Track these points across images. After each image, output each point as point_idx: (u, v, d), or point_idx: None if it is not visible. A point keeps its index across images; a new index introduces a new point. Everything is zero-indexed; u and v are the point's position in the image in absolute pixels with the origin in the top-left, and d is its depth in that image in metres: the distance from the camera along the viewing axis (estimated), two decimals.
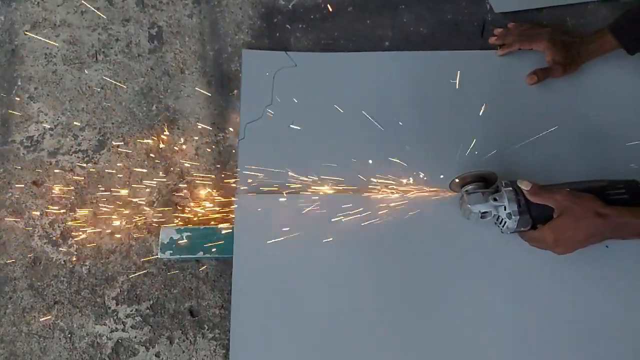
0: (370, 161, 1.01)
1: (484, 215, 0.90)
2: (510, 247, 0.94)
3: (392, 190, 1.00)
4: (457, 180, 0.92)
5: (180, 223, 1.00)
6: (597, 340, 0.91)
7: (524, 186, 0.86)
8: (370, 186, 1.00)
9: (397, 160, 1.00)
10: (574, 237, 0.83)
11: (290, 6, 1.14)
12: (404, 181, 1.00)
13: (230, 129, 1.06)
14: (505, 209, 0.87)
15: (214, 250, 0.95)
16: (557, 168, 1.01)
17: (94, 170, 1.04)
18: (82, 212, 1.01)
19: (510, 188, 0.87)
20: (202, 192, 1.03)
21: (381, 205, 0.98)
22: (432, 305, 0.93)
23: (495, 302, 0.93)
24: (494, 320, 0.92)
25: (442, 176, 0.98)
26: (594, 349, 0.91)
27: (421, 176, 1.00)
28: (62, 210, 1.01)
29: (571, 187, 0.86)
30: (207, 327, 0.97)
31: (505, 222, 0.88)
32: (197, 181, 1.03)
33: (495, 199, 0.88)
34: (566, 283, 0.94)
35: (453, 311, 0.93)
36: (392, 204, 0.98)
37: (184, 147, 1.05)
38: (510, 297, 0.93)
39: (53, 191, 1.03)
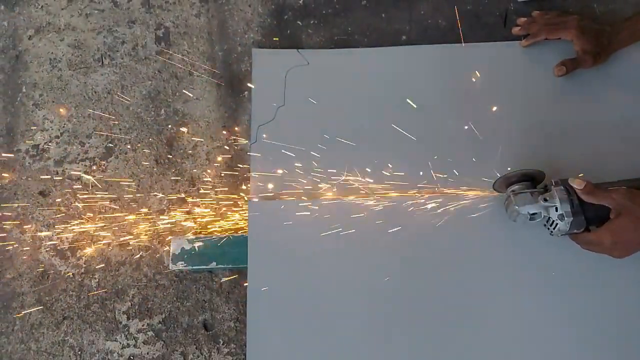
0: (391, 165, 0.92)
1: (532, 217, 0.79)
2: (561, 251, 0.85)
3: (422, 193, 0.89)
4: (501, 180, 0.83)
5: (192, 232, 0.93)
6: None
7: (577, 185, 0.76)
8: (394, 190, 0.90)
9: (423, 161, 0.91)
10: (634, 239, 0.73)
11: (301, 1, 1.05)
12: (435, 183, 0.90)
13: (242, 132, 0.98)
14: (556, 210, 0.77)
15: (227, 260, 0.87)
16: (590, 165, 0.89)
17: (101, 178, 0.97)
18: (90, 223, 0.94)
19: (562, 187, 0.77)
20: (214, 199, 0.95)
21: (410, 210, 0.88)
22: (473, 313, 0.84)
23: (544, 309, 0.84)
24: (541, 327, 0.84)
25: (483, 178, 0.89)
26: None
27: (456, 175, 0.90)
28: (70, 221, 0.94)
29: (625, 185, 0.76)
30: (222, 342, 0.88)
31: (556, 224, 0.78)
32: (208, 187, 0.96)
33: (545, 199, 0.78)
34: (621, 289, 0.85)
35: (497, 318, 0.84)
36: (424, 208, 0.88)
37: (194, 152, 0.98)
38: (558, 303, 0.84)
39: (60, 201, 0.96)
